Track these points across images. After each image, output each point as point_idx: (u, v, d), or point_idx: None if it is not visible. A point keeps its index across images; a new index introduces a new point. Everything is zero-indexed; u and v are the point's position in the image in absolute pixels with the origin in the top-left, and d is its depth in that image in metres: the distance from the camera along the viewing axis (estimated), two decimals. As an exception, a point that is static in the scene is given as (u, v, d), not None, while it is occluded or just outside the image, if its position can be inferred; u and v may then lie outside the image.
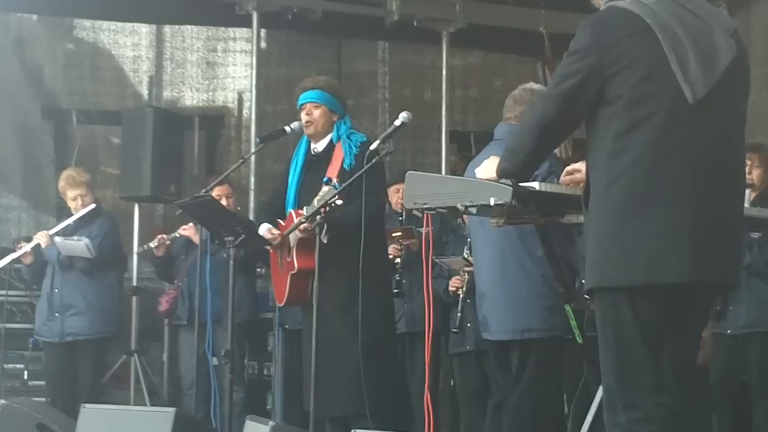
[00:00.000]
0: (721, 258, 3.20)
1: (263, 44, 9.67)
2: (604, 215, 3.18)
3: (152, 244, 7.45)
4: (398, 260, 6.59)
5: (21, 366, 7.89)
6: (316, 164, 5.51)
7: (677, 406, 3.20)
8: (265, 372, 8.00)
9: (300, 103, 5.56)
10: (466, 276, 6.10)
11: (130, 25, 10.01)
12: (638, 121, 3.14)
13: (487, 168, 3.54)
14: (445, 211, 3.52)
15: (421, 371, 6.26)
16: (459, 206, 3.42)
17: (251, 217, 7.93)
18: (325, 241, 5.04)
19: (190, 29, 10.22)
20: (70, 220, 7.26)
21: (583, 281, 4.09)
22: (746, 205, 4.84)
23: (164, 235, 7.43)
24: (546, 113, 3.31)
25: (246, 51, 9.89)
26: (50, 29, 9.81)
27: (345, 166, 5.35)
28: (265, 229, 5.49)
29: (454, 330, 6.29)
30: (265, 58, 9.47)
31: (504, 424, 5.06)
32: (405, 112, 5.00)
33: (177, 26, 10.17)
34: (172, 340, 8.15)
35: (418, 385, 6.08)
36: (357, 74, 10.40)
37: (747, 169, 5.60)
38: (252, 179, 8.71)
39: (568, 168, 3.64)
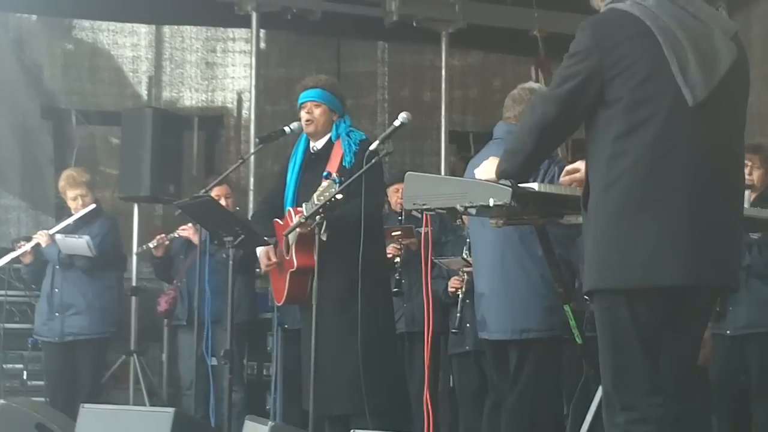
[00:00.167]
0: (719, 261, 3.19)
1: (262, 45, 9.65)
2: (602, 217, 3.18)
3: (151, 245, 7.44)
4: (398, 259, 6.60)
5: (20, 366, 7.89)
6: (315, 162, 5.51)
7: (675, 407, 3.20)
8: (265, 372, 8.01)
9: (300, 101, 5.57)
10: (466, 276, 6.11)
11: (129, 25, 10.00)
12: (638, 123, 3.14)
13: (486, 169, 3.54)
14: (444, 211, 3.52)
15: (421, 371, 6.26)
16: (458, 207, 3.41)
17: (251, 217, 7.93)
18: (325, 239, 5.04)
19: (189, 29, 10.21)
20: (70, 220, 7.25)
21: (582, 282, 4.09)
22: (746, 206, 4.84)
23: (163, 236, 7.42)
24: (546, 115, 3.31)
25: (245, 51, 9.89)
26: (49, 29, 9.80)
27: (345, 163, 5.35)
28: (262, 254, 5.51)
29: (454, 330, 6.30)
30: (264, 59, 9.46)
31: (502, 424, 5.06)
32: (404, 112, 4.99)
33: (176, 26, 10.16)
34: (171, 341, 8.13)
35: (418, 385, 6.07)
36: (356, 74, 10.39)
37: (747, 170, 5.62)
38: (251, 180, 8.72)
39: (568, 168, 3.63)
